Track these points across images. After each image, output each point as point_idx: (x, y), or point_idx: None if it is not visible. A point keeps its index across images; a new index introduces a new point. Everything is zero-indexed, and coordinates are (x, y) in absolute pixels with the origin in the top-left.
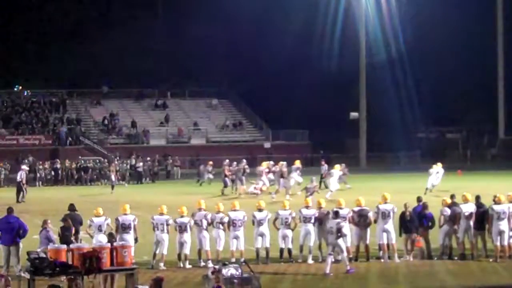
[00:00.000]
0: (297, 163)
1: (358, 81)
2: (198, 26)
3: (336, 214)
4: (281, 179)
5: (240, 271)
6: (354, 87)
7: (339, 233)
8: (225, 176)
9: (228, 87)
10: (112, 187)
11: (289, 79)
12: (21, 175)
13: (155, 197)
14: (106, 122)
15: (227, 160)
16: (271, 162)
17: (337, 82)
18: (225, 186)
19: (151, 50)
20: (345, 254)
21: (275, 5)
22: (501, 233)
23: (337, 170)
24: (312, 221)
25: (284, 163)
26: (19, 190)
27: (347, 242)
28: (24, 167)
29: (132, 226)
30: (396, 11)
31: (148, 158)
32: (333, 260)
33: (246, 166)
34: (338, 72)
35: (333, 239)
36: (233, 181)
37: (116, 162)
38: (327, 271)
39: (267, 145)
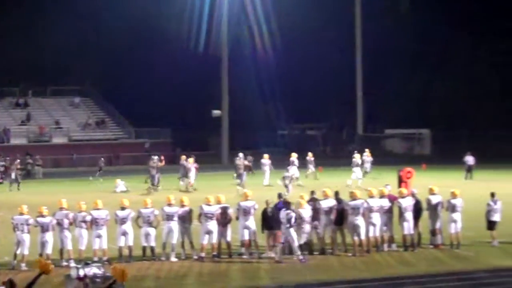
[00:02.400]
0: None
1: (221, 79)
2: (59, 24)
3: (287, 205)
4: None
5: (102, 270)
6: (217, 85)
7: (289, 223)
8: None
9: (91, 85)
10: (18, 184)
11: (152, 77)
12: None
13: (16, 196)
14: None
15: (241, 154)
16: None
17: (200, 80)
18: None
19: (11, 48)
20: (296, 244)
21: (135, 3)
22: (356, 227)
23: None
24: (175, 218)
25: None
26: None
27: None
28: None
29: None
30: (259, 9)
31: (8, 158)
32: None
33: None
34: (200, 70)
35: (284, 228)
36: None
37: (18, 160)
38: (277, 259)
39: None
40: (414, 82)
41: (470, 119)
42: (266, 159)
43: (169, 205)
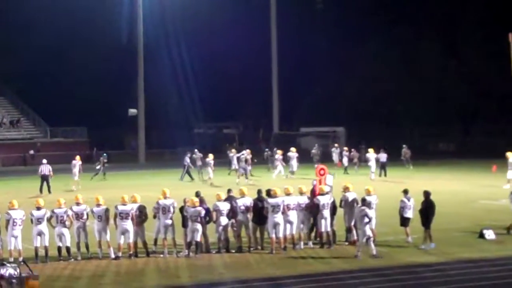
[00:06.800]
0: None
1: (137, 77)
2: None
3: (363, 202)
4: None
5: (18, 270)
6: (133, 83)
7: (363, 218)
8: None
9: (4, 83)
10: None
11: (68, 76)
12: (47, 169)
13: None
14: None
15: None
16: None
17: (116, 78)
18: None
19: None
20: (365, 239)
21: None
22: (276, 225)
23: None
24: (85, 217)
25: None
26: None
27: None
28: (45, 160)
29: None
30: (176, 7)
31: None
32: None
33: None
34: (117, 68)
35: (359, 224)
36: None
37: None
38: (374, 252)
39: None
40: (327, 81)
41: (384, 116)
42: (211, 159)
43: (77, 204)
